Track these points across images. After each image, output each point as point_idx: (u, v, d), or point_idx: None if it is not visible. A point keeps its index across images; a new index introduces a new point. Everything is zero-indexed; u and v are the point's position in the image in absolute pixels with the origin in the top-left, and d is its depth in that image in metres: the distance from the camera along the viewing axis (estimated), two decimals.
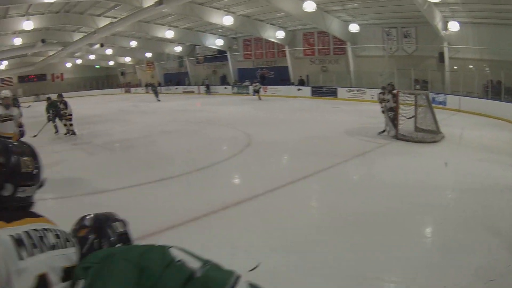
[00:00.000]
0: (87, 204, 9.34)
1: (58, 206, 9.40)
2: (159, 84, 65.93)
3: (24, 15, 35.78)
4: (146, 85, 67.90)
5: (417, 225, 7.60)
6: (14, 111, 11.22)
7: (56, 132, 21.97)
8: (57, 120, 22.16)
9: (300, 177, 10.45)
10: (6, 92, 11.57)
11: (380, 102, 16.94)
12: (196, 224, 7.69)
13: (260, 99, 39.39)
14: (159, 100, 45.73)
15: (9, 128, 11.14)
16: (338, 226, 7.32)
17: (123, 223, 3.23)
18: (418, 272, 5.85)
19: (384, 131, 16.47)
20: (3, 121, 11.10)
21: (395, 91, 16.24)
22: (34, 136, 18.05)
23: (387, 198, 8.67)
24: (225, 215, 8.12)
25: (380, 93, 17.01)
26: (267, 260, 6.09)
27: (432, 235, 7.41)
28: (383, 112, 16.73)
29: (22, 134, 11.27)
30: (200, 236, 7.08)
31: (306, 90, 40.38)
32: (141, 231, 7.12)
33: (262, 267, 5.85)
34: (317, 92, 38.99)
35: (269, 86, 45.56)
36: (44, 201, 9.85)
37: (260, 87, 41.12)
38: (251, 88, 43.14)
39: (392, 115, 15.89)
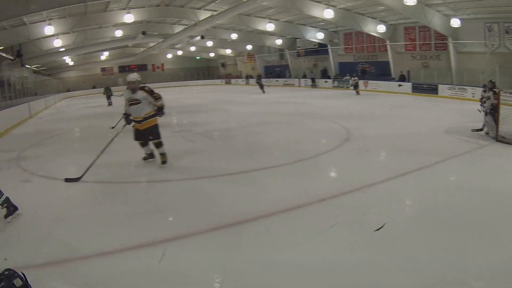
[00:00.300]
0: (189, 189, 9.63)
1: (159, 189, 9.88)
2: (250, 77, 66.86)
3: (124, 9, 36.90)
4: (247, 77, 68.52)
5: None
6: (139, 94, 11.53)
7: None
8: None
9: (397, 175, 10.21)
10: (133, 76, 11.99)
11: (481, 100, 16.43)
12: (291, 214, 7.64)
13: (358, 94, 38.88)
14: (264, 92, 45.64)
15: (136, 112, 11.55)
16: (430, 227, 6.98)
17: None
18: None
19: (480, 129, 15.95)
20: (130, 105, 11.55)
21: (496, 89, 15.71)
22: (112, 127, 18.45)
23: (483, 203, 8.18)
24: (322, 207, 8.02)
25: (483, 91, 16.52)
26: (354, 259, 5.94)
27: None
28: (481, 111, 16.21)
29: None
30: (294, 226, 7.09)
31: (407, 86, 39.38)
32: (239, 216, 7.48)
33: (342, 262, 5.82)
34: (418, 88, 38.03)
35: (369, 81, 44.92)
36: (138, 184, 10.34)
37: (357, 82, 40.41)
38: (351, 82, 42.24)
39: (492, 112, 15.38)
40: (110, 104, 38.41)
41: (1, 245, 6.91)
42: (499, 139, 14.65)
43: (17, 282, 7.23)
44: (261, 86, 47.69)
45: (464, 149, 13.50)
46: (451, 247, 6.18)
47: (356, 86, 39.12)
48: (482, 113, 15.93)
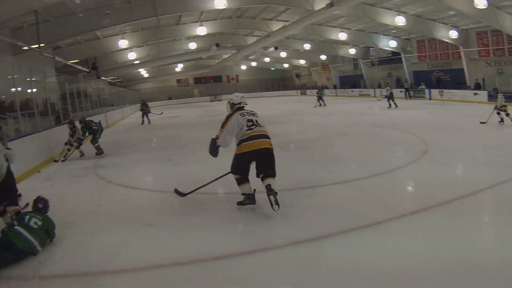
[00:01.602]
0: (258, 202, 9.30)
1: (228, 201, 9.86)
2: (334, 87, 66.62)
3: (196, 22, 37.76)
4: (322, 87, 68.61)
5: None
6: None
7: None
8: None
9: (476, 190, 9.76)
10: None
11: None
12: (370, 230, 7.48)
13: (390, 106, 36.19)
14: (323, 105, 43.00)
15: None
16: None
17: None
18: None
19: None
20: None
21: None
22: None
23: None
24: (401, 223, 7.85)
25: None
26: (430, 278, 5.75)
27: None
28: None
29: None
30: (372, 242, 6.97)
31: (482, 94, 37.61)
32: (317, 232, 7.39)
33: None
34: (493, 97, 36.99)
35: (445, 90, 43.91)
36: (215, 195, 10.48)
37: (392, 92, 37.49)
38: (385, 92, 40.34)
39: None
40: (143, 122, 35.16)
41: (75, 249, 7.33)
42: None
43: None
44: (321, 99, 44.20)
45: None
46: None
47: (390, 97, 36.67)
48: None
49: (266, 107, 29.96)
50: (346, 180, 11.26)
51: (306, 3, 32.34)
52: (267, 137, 9.24)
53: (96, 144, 18.16)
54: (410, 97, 47.96)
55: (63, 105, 24.19)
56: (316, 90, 49.05)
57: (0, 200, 8.63)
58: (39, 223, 7.43)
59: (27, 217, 7.48)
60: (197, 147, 13.80)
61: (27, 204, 9.05)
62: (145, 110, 35.44)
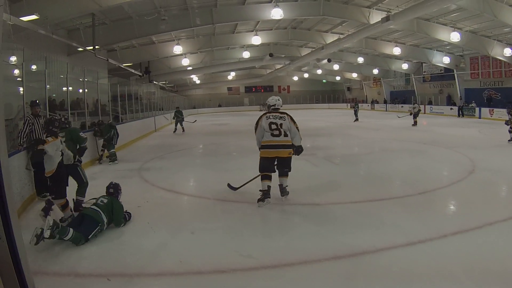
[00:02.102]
0: (310, 213, 9.61)
1: (275, 212, 9.82)
2: (385, 101, 66.52)
3: (252, 31, 38.08)
4: (372, 102, 68.51)
5: None
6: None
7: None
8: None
9: None
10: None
11: None
12: (412, 248, 7.36)
13: (415, 124, 34.54)
14: (356, 120, 42.19)
15: None
16: None
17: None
18: None
19: None
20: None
21: None
22: None
23: None
24: (442, 244, 7.64)
25: None
26: None
27: None
28: None
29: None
30: (412, 261, 6.81)
31: None
32: (356, 248, 7.30)
33: None
34: None
35: (495, 109, 43.10)
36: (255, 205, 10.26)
37: (419, 110, 36.45)
38: (412, 109, 37.04)
39: None
40: (175, 130, 33.90)
41: (114, 249, 7.45)
42: None
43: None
44: (355, 114, 43.23)
45: None
46: None
47: (416, 115, 35.00)
48: None
49: (315, 119, 29.83)
50: (391, 197, 11.15)
51: (362, 17, 32.36)
52: (285, 147, 9.94)
53: (111, 151, 17.92)
54: (462, 115, 47.41)
55: (113, 107, 24.45)
56: (353, 104, 48.35)
57: (50, 192, 9.12)
58: (105, 201, 8.53)
59: (97, 198, 8.69)
60: (241, 155, 13.79)
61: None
62: (179, 118, 34.33)
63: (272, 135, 9.84)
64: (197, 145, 24.77)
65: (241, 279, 6.31)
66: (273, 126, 9.80)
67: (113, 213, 8.45)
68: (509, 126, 16.29)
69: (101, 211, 8.17)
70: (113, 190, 9.10)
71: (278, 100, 10.54)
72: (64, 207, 9.00)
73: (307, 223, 8.83)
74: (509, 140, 17.21)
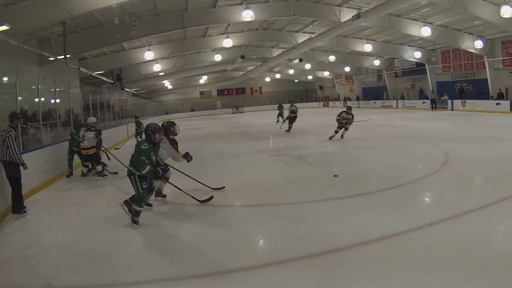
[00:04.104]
0: (282, 213, 9.66)
1: (252, 213, 9.85)
2: (357, 98, 67.38)
3: (223, 34, 38.03)
4: (345, 99, 68.88)
5: None
6: None
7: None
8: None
9: (497, 200, 9.69)
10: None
11: None
12: (388, 243, 7.46)
13: (289, 130, 30.12)
14: (278, 122, 38.31)
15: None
16: None
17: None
18: None
19: None
20: None
21: None
22: None
23: None
24: (419, 236, 7.77)
25: None
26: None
27: None
28: None
29: None
30: (391, 254, 6.94)
31: (505, 104, 38.17)
32: (331, 245, 7.34)
33: None
34: None
35: (467, 101, 44.01)
36: (233, 208, 10.46)
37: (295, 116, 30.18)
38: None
39: None
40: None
41: (98, 263, 7.24)
42: None
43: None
44: (281, 115, 39.45)
45: None
46: None
47: (292, 120, 29.89)
48: None
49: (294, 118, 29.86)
50: (366, 192, 11.27)
51: (333, 15, 32.46)
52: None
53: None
54: (435, 108, 48.07)
55: (86, 116, 24.24)
56: (277, 105, 44.03)
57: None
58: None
59: None
60: (218, 160, 13.70)
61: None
62: (138, 130, 29.31)
63: None
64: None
65: (219, 282, 6.40)
66: None
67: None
68: None
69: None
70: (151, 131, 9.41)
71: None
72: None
73: (284, 223, 8.87)
74: None
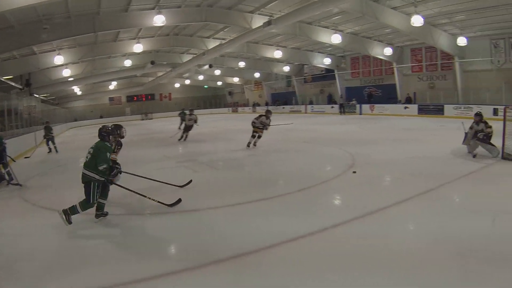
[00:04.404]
0: (187, 220, 9.60)
1: (158, 222, 9.66)
2: (266, 104, 67.41)
3: (134, 38, 37.52)
4: (253, 105, 69.08)
5: None
6: None
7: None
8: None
9: (402, 200, 10.13)
10: None
11: (475, 133, 16.22)
12: (294, 245, 7.51)
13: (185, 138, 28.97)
14: (180, 129, 34.34)
15: None
16: (438, 256, 6.80)
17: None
18: None
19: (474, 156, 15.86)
20: None
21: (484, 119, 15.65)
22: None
23: (493, 224, 8.14)
24: (324, 236, 7.93)
25: (475, 123, 16.20)
26: None
27: None
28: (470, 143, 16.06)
29: None
30: (293, 258, 6.98)
31: (413, 108, 39.85)
32: (238, 250, 7.30)
33: None
34: (424, 110, 38.43)
35: (376, 105, 45.49)
36: (142, 216, 10.20)
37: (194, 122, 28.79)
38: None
39: (485, 139, 15.31)
40: (50, 151, 27.60)
41: None
42: (505, 157, 14.73)
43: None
44: (182, 121, 36.04)
45: (471, 169, 13.54)
46: (463, 273, 6.21)
47: (188, 128, 28.87)
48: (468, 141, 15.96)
49: (196, 126, 29.50)
50: (273, 196, 11.33)
51: (244, 22, 32.55)
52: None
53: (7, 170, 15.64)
54: (344, 112, 49.22)
55: None
56: (179, 112, 41.08)
57: None
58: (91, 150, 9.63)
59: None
60: (125, 168, 13.46)
61: None
62: (49, 136, 27.78)
63: None
64: (79, 159, 23.27)
65: None
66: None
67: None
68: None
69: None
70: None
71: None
72: None
73: (190, 230, 8.93)
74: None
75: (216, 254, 7.21)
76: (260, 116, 21.60)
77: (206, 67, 52.90)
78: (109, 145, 9.58)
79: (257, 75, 66.99)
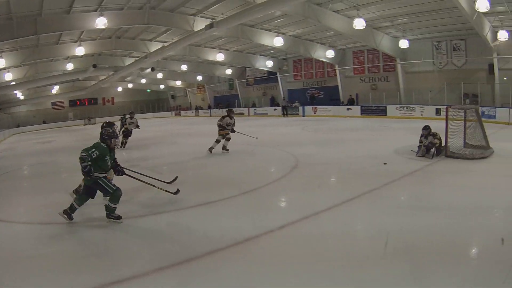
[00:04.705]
0: (133, 227, 9.48)
1: (104, 231, 9.39)
2: (209, 107, 67.28)
3: (76, 41, 36.91)
4: (196, 108, 69.06)
5: (471, 249, 7.30)
6: None
7: None
8: None
9: (347, 199, 10.30)
10: None
11: (425, 146, 16.57)
12: (237, 249, 7.52)
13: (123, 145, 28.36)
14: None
15: None
16: (383, 252, 7.01)
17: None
18: None
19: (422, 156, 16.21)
20: None
21: (433, 132, 16.01)
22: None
23: (436, 220, 8.36)
24: (269, 240, 7.98)
25: (423, 137, 16.49)
26: None
27: (490, 259, 6.67)
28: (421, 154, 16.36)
29: None
30: (239, 261, 7.05)
31: (356, 109, 40.55)
32: (185, 255, 7.33)
33: None
34: (367, 111, 39.14)
35: (318, 107, 45.95)
36: (91, 223, 9.91)
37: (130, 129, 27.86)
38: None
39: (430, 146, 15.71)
40: None
41: None
42: (449, 154, 15.14)
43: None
44: (123, 126, 30.83)
45: (414, 168, 13.93)
46: (408, 272, 6.33)
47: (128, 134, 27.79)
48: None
49: (140, 129, 28.97)
50: (217, 199, 11.32)
51: (186, 24, 32.46)
52: None
53: None
54: (287, 114, 49.51)
55: None
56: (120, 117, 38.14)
57: None
58: None
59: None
60: (68, 175, 13.28)
61: None
62: None
63: None
64: (21, 166, 22.83)
65: None
66: None
67: None
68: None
69: None
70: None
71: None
72: None
73: (133, 238, 8.83)
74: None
75: (160, 261, 7.17)
76: (223, 117, 20.79)
77: (149, 70, 52.44)
78: (104, 146, 9.67)
79: (199, 78, 66.61)
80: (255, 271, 6.61)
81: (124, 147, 26.41)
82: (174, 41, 38.53)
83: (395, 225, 8.33)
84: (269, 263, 6.84)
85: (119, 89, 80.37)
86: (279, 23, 35.58)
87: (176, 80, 71.77)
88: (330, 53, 42.27)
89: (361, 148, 18.91)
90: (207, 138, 22.65)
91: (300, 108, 48.51)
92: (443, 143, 15.70)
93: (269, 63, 51.35)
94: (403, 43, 35.65)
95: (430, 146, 15.72)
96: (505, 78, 31.25)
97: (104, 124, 10.48)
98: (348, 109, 40.99)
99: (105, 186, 9.45)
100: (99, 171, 9.41)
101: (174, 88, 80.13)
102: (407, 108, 35.56)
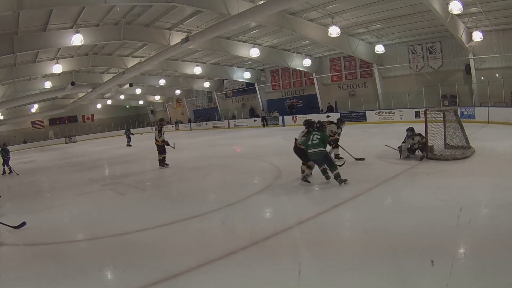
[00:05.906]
0: (117, 244, 9.34)
1: (88, 248, 9.35)
2: (189, 121, 67.25)
3: (53, 59, 36.66)
4: (176, 122, 69.02)
5: (452, 247, 7.24)
6: None
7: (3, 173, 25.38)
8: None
9: (331, 206, 10.39)
10: None
11: (412, 146, 16.69)
12: (226, 261, 7.49)
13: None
14: (129, 145, 41.99)
15: None
16: (370, 255, 7.08)
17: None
18: None
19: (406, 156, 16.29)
20: None
21: (418, 133, 16.12)
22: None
23: (419, 221, 8.48)
24: (255, 251, 7.94)
25: (409, 138, 16.58)
26: None
27: (469, 257, 6.99)
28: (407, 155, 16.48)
29: None
30: (228, 274, 6.98)
31: (335, 116, 39.30)
32: (172, 271, 7.25)
33: None
34: (346, 117, 38.59)
35: (298, 115, 46.06)
36: (73, 243, 9.83)
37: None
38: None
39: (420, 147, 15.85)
40: (4, 172, 27.62)
41: None
42: (430, 156, 15.21)
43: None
44: (129, 139, 43.45)
45: (396, 171, 14.04)
46: (393, 271, 6.46)
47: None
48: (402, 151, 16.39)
49: (120, 146, 28.60)
50: (201, 213, 11.25)
51: (162, 39, 32.54)
52: None
53: None
54: (267, 125, 49.95)
55: None
56: (125, 130, 47.07)
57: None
58: (318, 136, 12.98)
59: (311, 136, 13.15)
60: (51, 194, 13.14)
61: None
62: (4, 158, 27.47)
63: None
64: (1, 188, 22.78)
65: None
66: None
67: (323, 141, 12.96)
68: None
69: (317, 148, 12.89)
70: (320, 125, 13.55)
71: None
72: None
73: (119, 254, 8.70)
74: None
75: (147, 277, 7.11)
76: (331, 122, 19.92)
77: (127, 86, 52.27)
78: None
79: (178, 92, 67.05)
80: (240, 282, 6.61)
81: None
82: (151, 56, 38.44)
83: (383, 227, 8.46)
84: (259, 272, 6.89)
85: (99, 106, 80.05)
86: (255, 34, 35.87)
87: (155, 95, 71.70)
88: (307, 62, 42.58)
89: (344, 155, 18.40)
90: (187, 152, 22.67)
91: (280, 118, 48.87)
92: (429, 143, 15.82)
93: (247, 75, 51.58)
94: (379, 49, 36.19)
95: (415, 148, 15.84)
96: (482, 78, 31.60)
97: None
98: (327, 116, 40.23)
99: (330, 159, 14.94)
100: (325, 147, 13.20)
101: (153, 103, 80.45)
102: (386, 113, 35.83)
